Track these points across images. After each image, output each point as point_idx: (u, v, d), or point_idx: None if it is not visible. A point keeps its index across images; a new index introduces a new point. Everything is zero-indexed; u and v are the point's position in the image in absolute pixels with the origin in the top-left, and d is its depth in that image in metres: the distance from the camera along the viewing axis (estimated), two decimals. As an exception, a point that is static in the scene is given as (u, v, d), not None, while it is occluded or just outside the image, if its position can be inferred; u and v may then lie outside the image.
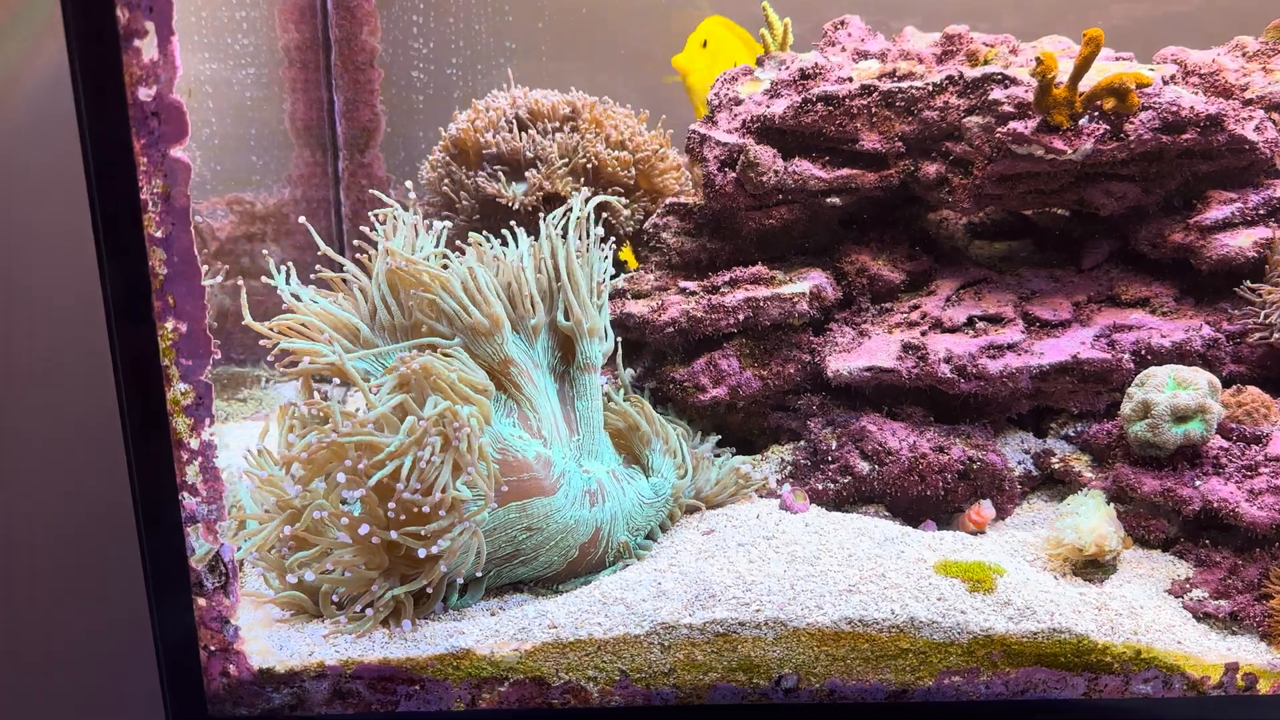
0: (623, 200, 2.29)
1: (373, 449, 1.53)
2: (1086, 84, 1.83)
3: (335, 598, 1.58)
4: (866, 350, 1.97)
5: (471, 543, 1.57)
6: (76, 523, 1.43)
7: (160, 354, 1.34)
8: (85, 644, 1.48)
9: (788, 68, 2.07)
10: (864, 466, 1.92)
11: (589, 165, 2.25)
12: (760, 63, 2.17)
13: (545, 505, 1.65)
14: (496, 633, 1.55)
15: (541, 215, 1.90)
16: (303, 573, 1.56)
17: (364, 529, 1.51)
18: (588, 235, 1.89)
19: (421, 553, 1.51)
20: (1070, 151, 1.84)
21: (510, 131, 2.28)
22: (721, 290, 2.03)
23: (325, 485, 1.56)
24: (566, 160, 2.24)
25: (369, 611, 1.56)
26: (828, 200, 2.04)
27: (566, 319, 1.82)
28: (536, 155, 2.25)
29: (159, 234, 1.31)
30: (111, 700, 1.50)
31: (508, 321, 1.74)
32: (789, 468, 2.00)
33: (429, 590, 1.61)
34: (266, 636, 1.55)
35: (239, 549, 1.59)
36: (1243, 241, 1.92)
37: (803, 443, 2.01)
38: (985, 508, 1.87)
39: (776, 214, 2.08)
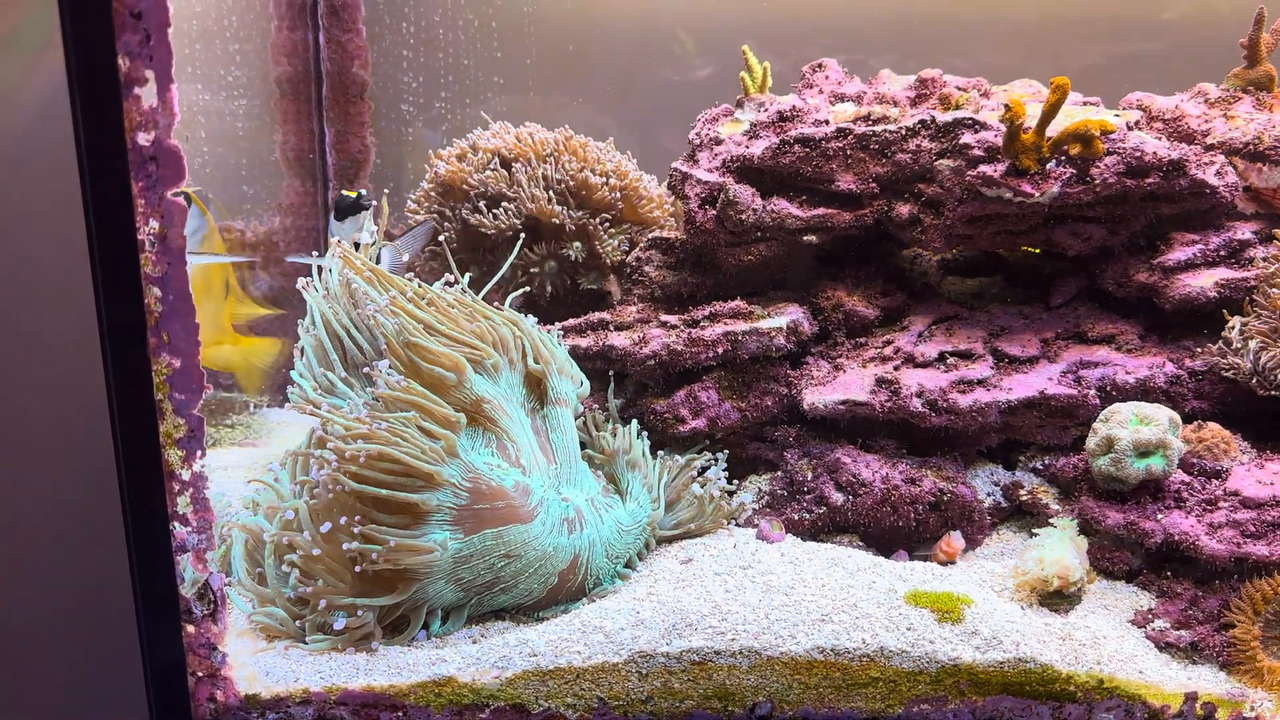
0: (610, 229, 2.35)
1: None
2: (1054, 129, 1.90)
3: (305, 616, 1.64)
4: (841, 384, 2.03)
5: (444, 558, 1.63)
6: (71, 550, 1.46)
7: (154, 388, 1.39)
8: (77, 668, 1.51)
9: (766, 110, 2.14)
10: (838, 497, 1.97)
11: (578, 190, 2.30)
12: (740, 104, 2.24)
13: (523, 532, 1.70)
14: (478, 660, 1.59)
15: (529, 247, 1.96)
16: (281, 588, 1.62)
17: (326, 526, 1.58)
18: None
19: (393, 542, 1.57)
20: (1037, 195, 1.91)
21: (495, 170, 2.34)
22: (701, 324, 2.08)
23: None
24: (551, 190, 2.30)
25: (338, 624, 1.61)
26: (804, 238, 2.10)
27: (536, 363, 1.88)
28: (519, 186, 2.30)
29: (155, 273, 1.35)
30: (101, 725, 1.53)
31: (469, 365, 1.78)
32: (766, 497, 2.05)
33: (407, 618, 1.66)
34: (253, 663, 1.59)
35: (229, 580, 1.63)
36: (1204, 282, 1.99)
37: (779, 473, 2.06)
38: (955, 539, 1.93)
39: (755, 250, 2.14)
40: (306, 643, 1.64)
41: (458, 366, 1.75)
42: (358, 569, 1.63)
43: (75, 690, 1.52)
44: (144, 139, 1.32)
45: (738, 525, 2.03)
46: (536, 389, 1.91)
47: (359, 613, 1.63)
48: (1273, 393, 1.86)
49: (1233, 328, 1.95)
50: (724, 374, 2.09)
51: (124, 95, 1.29)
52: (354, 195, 2.12)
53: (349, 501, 1.64)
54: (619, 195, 2.33)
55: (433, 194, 2.40)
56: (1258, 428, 1.95)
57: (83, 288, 1.33)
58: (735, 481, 2.10)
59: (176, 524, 1.45)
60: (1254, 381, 1.88)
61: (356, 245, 1.95)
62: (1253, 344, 1.87)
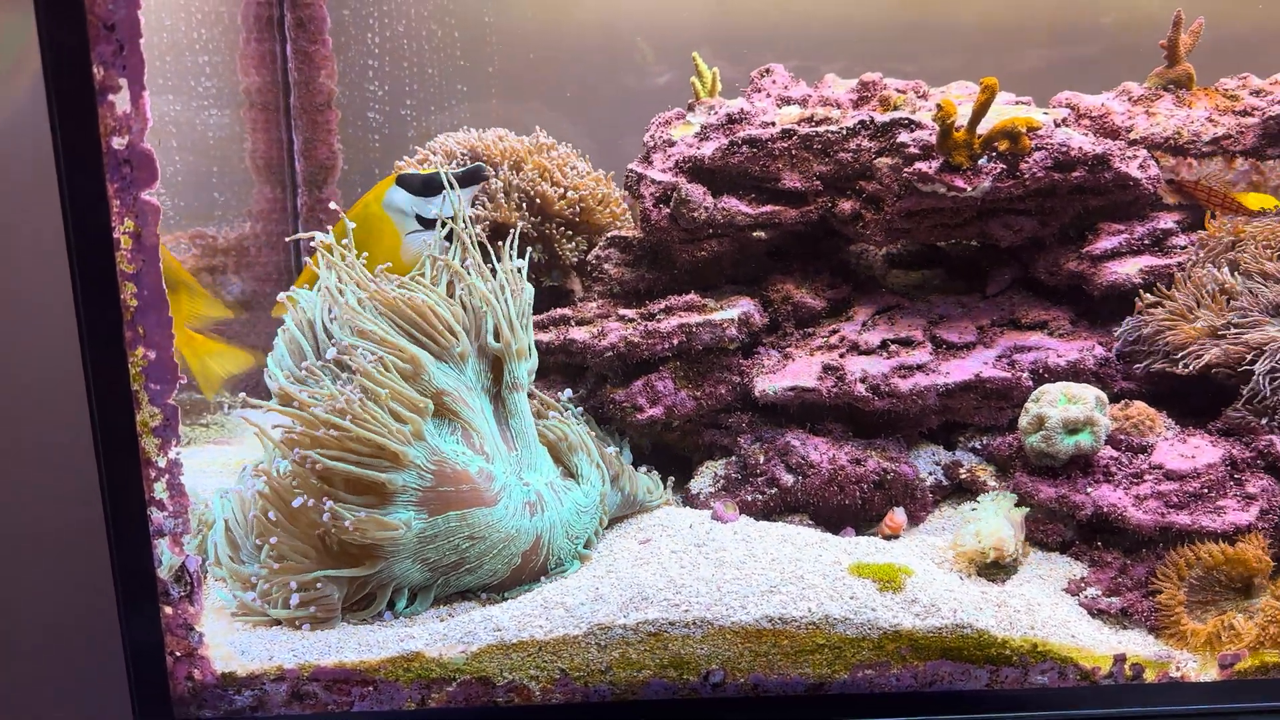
0: (568, 232, 2.44)
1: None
2: (985, 127, 2.01)
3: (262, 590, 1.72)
4: (790, 371, 2.13)
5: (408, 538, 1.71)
6: (50, 536, 1.52)
7: (131, 379, 1.46)
8: (57, 648, 1.57)
9: (716, 113, 2.24)
10: (789, 479, 2.07)
11: (536, 201, 2.39)
12: (691, 108, 2.34)
13: (486, 515, 1.78)
14: (445, 636, 1.67)
15: (492, 248, 2.04)
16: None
17: (297, 501, 1.66)
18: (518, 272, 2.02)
19: (362, 512, 1.66)
20: (970, 189, 2.02)
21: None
22: (657, 317, 2.18)
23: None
24: (513, 196, 2.38)
25: (295, 599, 1.69)
26: (754, 234, 2.20)
27: (496, 340, 1.95)
28: (485, 193, 2.39)
29: (130, 270, 1.43)
30: (82, 702, 1.59)
31: (429, 358, 1.85)
32: (721, 481, 2.14)
33: (375, 595, 1.73)
34: (229, 642, 1.66)
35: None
36: (1130, 269, 2.10)
37: (734, 458, 2.15)
38: (899, 515, 2.03)
39: (708, 247, 2.24)
40: (269, 614, 1.72)
41: (415, 361, 1.82)
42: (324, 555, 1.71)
43: (56, 670, 1.57)
44: (118, 143, 1.39)
45: (693, 508, 2.12)
46: (498, 370, 1.97)
47: (318, 585, 1.70)
48: (1169, 368, 1.97)
49: (1140, 312, 2.06)
50: (679, 364, 2.18)
51: (99, 102, 1.36)
52: (431, 171, 2.15)
53: (316, 486, 1.71)
54: (577, 209, 2.42)
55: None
56: (1182, 405, 2.06)
57: (62, 284, 1.40)
58: (691, 469, 2.19)
59: (153, 509, 1.52)
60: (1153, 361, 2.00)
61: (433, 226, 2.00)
62: (1147, 330, 1.99)
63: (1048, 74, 2.92)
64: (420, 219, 2.15)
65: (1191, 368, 1.95)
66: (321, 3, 2.66)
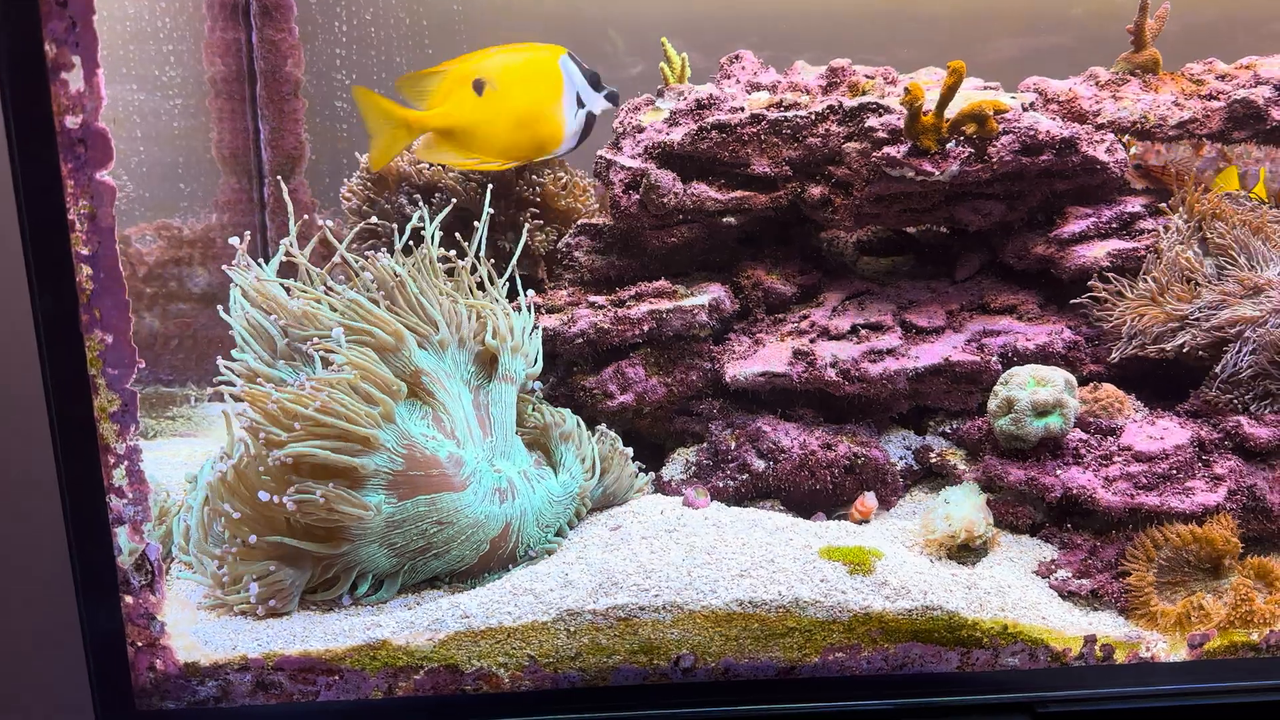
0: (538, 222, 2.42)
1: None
2: (952, 111, 2.01)
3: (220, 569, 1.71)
4: (761, 357, 2.12)
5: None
6: (5, 524, 1.50)
7: (88, 364, 1.44)
8: (15, 641, 1.55)
9: (685, 98, 2.23)
10: (760, 464, 2.06)
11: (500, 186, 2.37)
12: (661, 94, 2.33)
13: (455, 500, 1.76)
14: (412, 624, 1.65)
15: (464, 237, 2.03)
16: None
17: (263, 495, 1.65)
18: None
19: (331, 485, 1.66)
20: (938, 173, 2.02)
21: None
22: (627, 304, 2.17)
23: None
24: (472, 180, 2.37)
25: (253, 587, 1.67)
26: (724, 220, 2.19)
27: (493, 339, 1.95)
28: (451, 178, 2.37)
29: (86, 251, 1.41)
30: (41, 694, 1.57)
31: (412, 336, 1.86)
32: (693, 468, 2.13)
33: (338, 579, 1.72)
34: (192, 632, 1.64)
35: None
36: (1097, 253, 2.11)
37: (705, 444, 2.15)
38: (869, 499, 2.03)
39: (678, 233, 2.23)
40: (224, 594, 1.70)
41: (398, 334, 1.82)
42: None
43: (14, 663, 1.56)
44: (72, 122, 1.37)
45: (665, 495, 2.11)
46: (488, 364, 1.98)
47: (271, 569, 1.68)
48: (1148, 353, 1.98)
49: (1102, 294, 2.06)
50: (650, 351, 2.18)
51: (51, 80, 1.34)
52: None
53: (285, 475, 1.69)
54: (536, 190, 2.41)
55: (368, 184, 2.46)
56: (1150, 388, 2.07)
57: (15, 267, 1.38)
58: (663, 456, 2.18)
59: (113, 496, 1.50)
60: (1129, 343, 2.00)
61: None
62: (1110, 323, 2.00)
63: (1018, 63, 2.93)
64: (579, 98, 2.15)
65: (1169, 350, 1.96)
66: (288, -10, 2.64)
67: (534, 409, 2.04)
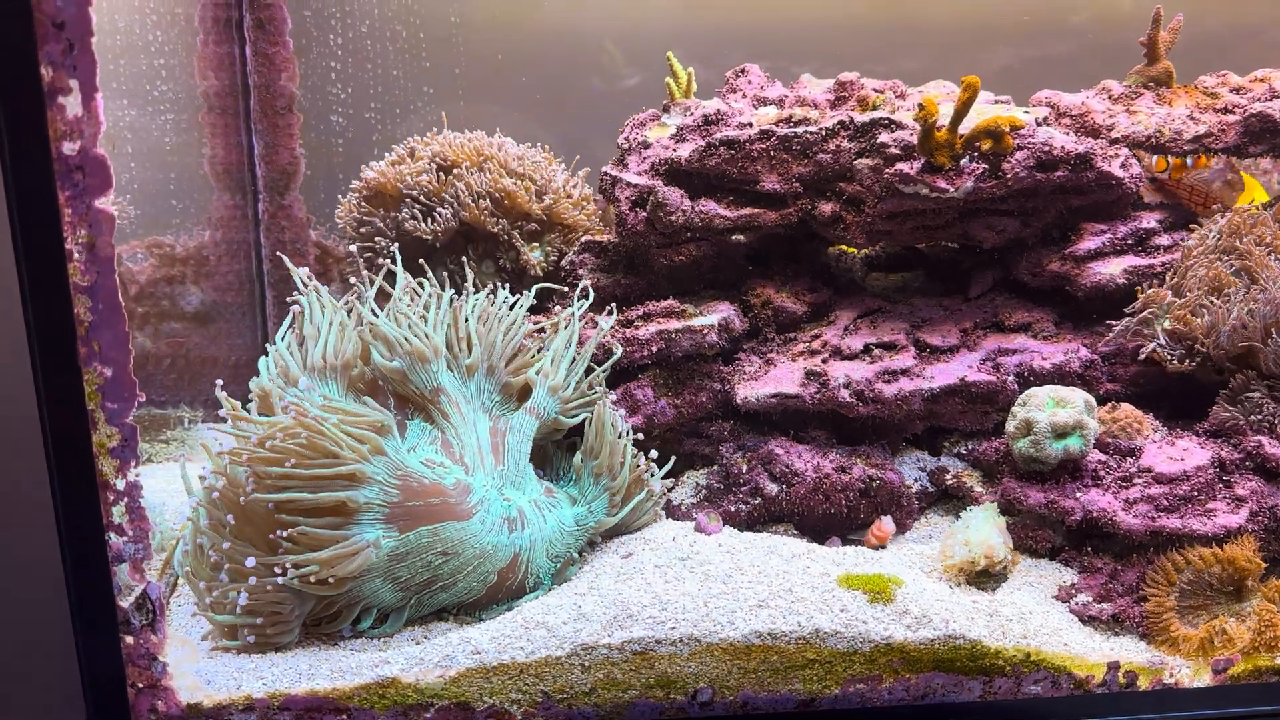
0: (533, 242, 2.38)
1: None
2: (966, 127, 1.98)
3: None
4: (772, 378, 2.08)
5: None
6: (3, 564, 1.45)
7: (86, 398, 1.39)
8: (14, 683, 1.50)
9: (692, 114, 2.19)
10: (773, 488, 2.02)
11: (504, 201, 2.33)
12: (666, 109, 2.29)
13: (459, 530, 1.72)
14: (421, 660, 1.61)
15: (464, 254, 1.99)
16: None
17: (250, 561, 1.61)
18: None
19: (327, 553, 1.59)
20: (952, 190, 1.99)
21: (429, 174, 2.36)
22: (635, 324, 2.13)
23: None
24: (482, 197, 2.33)
25: (242, 596, 1.62)
26: (733, 237, 2.16)
27: (537, 374, 1.95)
28: (456, 195, 2.33)
29: (84, 282, 1.36)
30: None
31: (445, 355, 1.87)
32: (704, 491, 2.09)
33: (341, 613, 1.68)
34: (195, 672, 1.58)
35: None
36: (1113, 269, 2.08)
37: (716, 467, 2.11)
38: (886, 523, 1.99)
39: (686, 251, 2.19)
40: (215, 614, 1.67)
41: (437, 350, 1.86)
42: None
43: (13, 706, 1.50)
44: (69, 148, 1.32)
45: (675, 520, 2.07)
46: (518, 394, 1.98)
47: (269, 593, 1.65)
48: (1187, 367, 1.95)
49: (1137, 308, 2.02)
50: (659, 372, 2.13)
51: (48, 105, 1.29)
52: None
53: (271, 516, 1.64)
54: (538, 197, 2.36)
55: (363, 201, 2.41)
56: (1168, 407, 2.04)
57: (11, 298, 1.33)
58: (673, 479, 2.14)
59: (112, 534, 1.45)
60: (1169, 355, 1.96)
61: None
62: (1166, 322, 1.96)
63: (1020, 73, 2.92)
64: None
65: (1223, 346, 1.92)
66: (282, 4, 2.58)
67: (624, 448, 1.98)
